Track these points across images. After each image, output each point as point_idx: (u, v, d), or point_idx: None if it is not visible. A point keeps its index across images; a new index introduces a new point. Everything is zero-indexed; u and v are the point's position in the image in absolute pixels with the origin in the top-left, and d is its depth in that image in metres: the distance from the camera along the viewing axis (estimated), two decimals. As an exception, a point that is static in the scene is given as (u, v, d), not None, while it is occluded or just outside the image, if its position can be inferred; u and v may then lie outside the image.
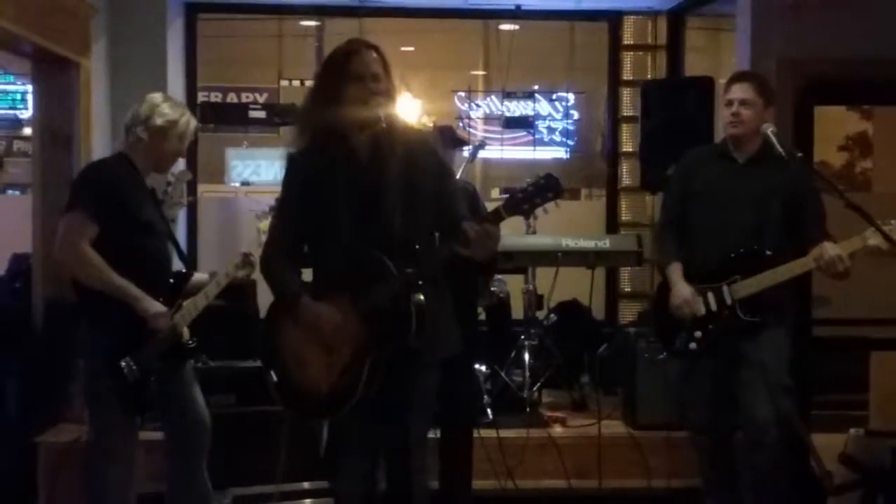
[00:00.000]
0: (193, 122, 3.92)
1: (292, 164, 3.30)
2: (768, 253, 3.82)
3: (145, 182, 3.82)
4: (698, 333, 3.92)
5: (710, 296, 3.90)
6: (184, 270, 3.92)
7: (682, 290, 3.96)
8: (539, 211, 3.08)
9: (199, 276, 3.98)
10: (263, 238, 3.59)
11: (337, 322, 3.14)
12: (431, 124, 4.91)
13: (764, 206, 3.85)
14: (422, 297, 3.11)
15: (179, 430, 3.88)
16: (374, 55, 3.20)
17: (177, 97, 6.00)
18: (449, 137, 5.11)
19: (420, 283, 3.11)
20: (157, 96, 3.87)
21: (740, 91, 3.94)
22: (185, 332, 3.80)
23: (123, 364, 3.61)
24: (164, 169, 3.91)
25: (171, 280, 3.83)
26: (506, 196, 3.10)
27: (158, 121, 3.77)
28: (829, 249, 3.66)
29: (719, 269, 3.90)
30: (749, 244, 3.85)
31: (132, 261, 3.63)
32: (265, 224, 3.91)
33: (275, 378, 3.28)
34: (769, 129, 3.82)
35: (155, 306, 3.65)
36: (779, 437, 3.80)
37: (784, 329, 3.92)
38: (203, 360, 4.66)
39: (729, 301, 3.86)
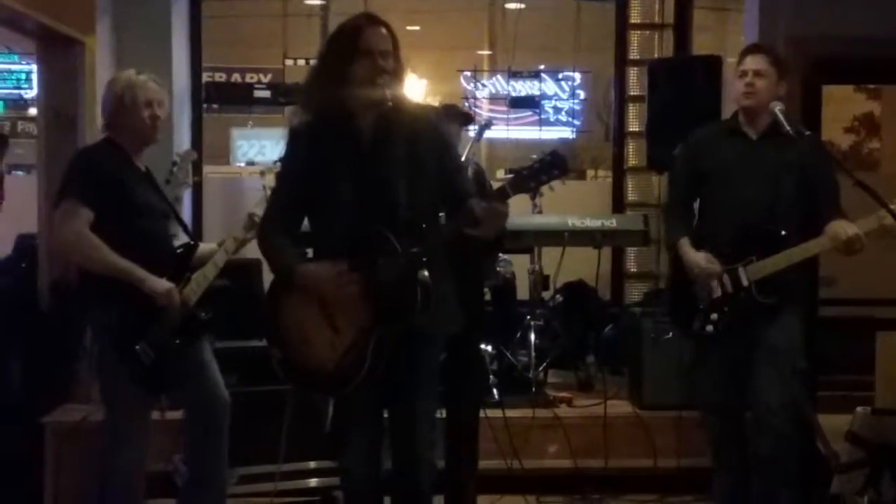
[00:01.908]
0: (154, 81, 3.81)
1: (295, 138, 3.26)
2: (783, 233, 3.76)
3: (137, 164, 3.78)
4: (715, 316, 3.85)
5: (726, 277, 3.82)
6: (191, 242, 3.87)
7: (697, 260, 3.87)
8: (545, 189, 3.08)
9: (206, 246, 3.94)
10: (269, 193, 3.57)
11: (338, 278, 3.09)
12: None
13: (777, 183, 3.78)
14: (426, 275, 3.10)
15: (198, 408, 3.87)
16: (384, 31, 3.14)
17: (181, 77, 6.07)
18: (454, 115, 5.09)
19: (425, 260, 3.10)
20: (118, 83, 3.77)
21: (753, 62, 3.86)
22: (196, 298, 3.74)
23: (138, 348, 3.59)
24: (153, 139, 3.80)
25: (179, 251, 3.80)
26: (511, 174, 3.09)
27: (137, 94, 3.69)
28: (847, 229, 3.62)
29: (734, 249, 3.83)
30: (764, 224, 3.79)
31: (130, 244, 3.60)
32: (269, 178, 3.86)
33: (279, 354, 3.27)
34: (777, 108, 3.77)
35: (161, 284, 3.62)
36: (787, 421, 3.77)
37: (799, 311, 3.87)
38: (210, 340, 4.66)
39: (745, 283, 3.79)
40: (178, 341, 3.69)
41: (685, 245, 3.95)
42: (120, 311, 3.61)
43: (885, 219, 3.57)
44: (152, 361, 3.61)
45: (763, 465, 3.85)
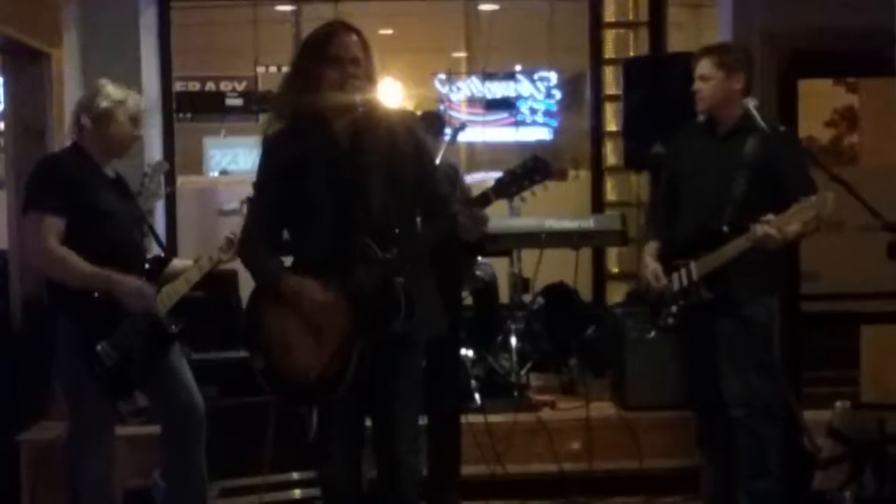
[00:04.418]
0: (142, 101, 3.83)
1: (269, 148, 3.25)
2: (724, 230, 3.78)
3: (103, 170, 3.74)
4: (674, 308, 3.92)
5: (683, 271, 3.89)
6: (161, 256, 3.85)
7: (644, 268, 4.02)
8: (527, 193, 3.08)
9: (180, 262, 3.92)
10: None
11: (321, 295, 3.10)
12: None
13: (727, 181, 3.81)
14: (406, 281, 3.09)
15: (171, 419, 3.84)
16: (354, 38, 3.15)
17: (151, 87, 6.01)
18: (429, 122, 5.05)
19: (403, 266, 3.09)
20: (101, 81, 3.77)
21: (699, 68, 3.96)
22: (164, 311, 3.73)
23: (99, 348, 3.55)
24: (119, 153, 3.80)
25: (147, 266, 3.77)
26: (494, 177, 3.09)
27: (102, 103, 3.67)
28: (759, 228, 3.62)
29: (687, 245, 3.90)
30: (712, 222, 3.82)
31: (94, 250, 3.56)
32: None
33: (261, 364, 3.24)
34: (751, 104, 3.79)
35: (131, 282, 3.57)
36: (751, 411, 3.80)
37: (759, 305, 3.88)
38: (185, 352, 4.61)
39: (694, 277, 3.84)
40: (141, 346, 3.64)
41: (647, 250, 4.08)
42: (84, 313, 3.57)
43: (809, 222, 3.56)
44: (113, 363, 3.57)
45: (734, 456, 3.86)
